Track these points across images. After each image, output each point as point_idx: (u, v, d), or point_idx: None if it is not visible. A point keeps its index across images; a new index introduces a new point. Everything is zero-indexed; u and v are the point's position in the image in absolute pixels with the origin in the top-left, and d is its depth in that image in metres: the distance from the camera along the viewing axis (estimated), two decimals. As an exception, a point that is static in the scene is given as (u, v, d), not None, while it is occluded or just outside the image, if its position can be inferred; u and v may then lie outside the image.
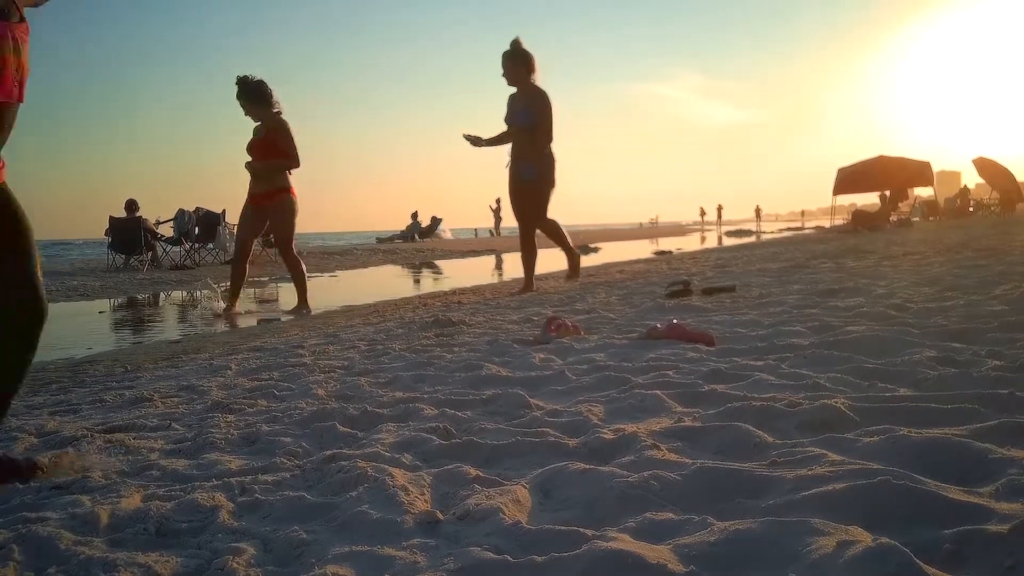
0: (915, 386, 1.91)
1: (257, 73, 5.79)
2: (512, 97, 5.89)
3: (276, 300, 7.33)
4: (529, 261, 6.05)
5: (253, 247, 6.46)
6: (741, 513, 1.18)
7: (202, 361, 3.41)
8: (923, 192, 24.41)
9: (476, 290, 6.56)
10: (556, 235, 6.12)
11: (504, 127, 5.91)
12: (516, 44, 5.85)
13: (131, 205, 13.03)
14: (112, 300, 8.04)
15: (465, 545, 1.13)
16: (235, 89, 5.73)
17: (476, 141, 5.96)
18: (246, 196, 5.94)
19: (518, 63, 5.80)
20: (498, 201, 30.13)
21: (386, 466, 1.49)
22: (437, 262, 14.90)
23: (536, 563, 1.03)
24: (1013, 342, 2.32)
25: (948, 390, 1.81)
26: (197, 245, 14.19)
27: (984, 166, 22.01)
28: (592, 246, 19.23)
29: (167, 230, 14.24)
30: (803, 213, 78.76)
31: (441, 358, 2.89)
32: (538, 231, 6.01)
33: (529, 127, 5.73)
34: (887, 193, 19.26)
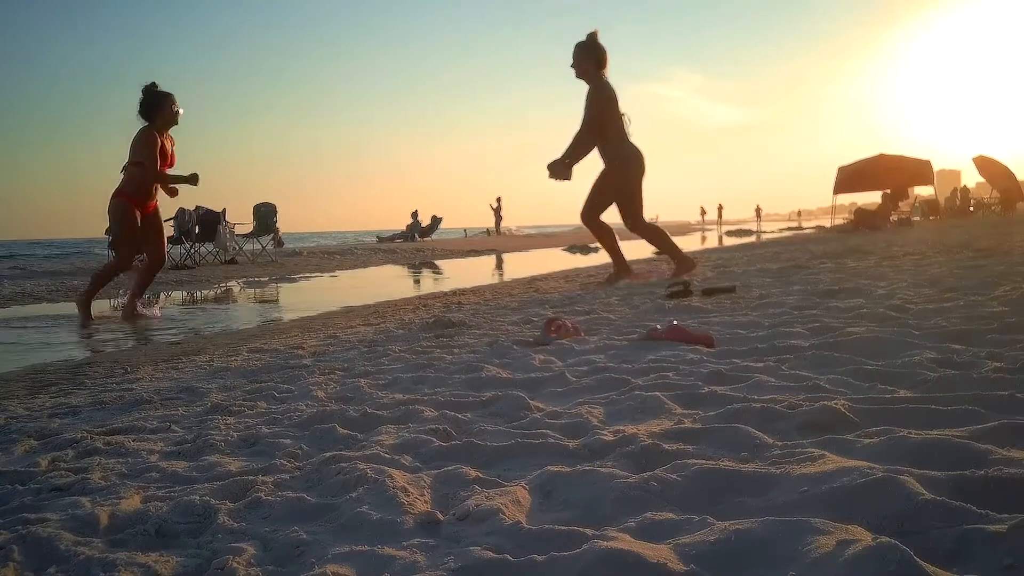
0: (915, 387, 1.91)
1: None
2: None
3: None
4: (611, 244, 5.88)
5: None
6: (741, 513, 1.18)
7: (202, 363, 3.41)
8: (923, 191, 24.43)
9: (476, 291, 6.55)
10: (608, 242, 5.98)
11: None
12: (591, 36, 5.68)
13: (131, 205, 13.01)
14: (111, 301, 8.04)
15: (465, 545, 1.13)
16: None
17: (560, 172, 5.73)
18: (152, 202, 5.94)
19: (587, 56, 5.64)
20: (499, 200, 30.12)
21: (386, 467, 1.49)
22: (437, 262, 14.91)
23: (536, 562, 1.03)
24: (1013, 343, 2.32)
25: (948, 391, 1.81)
26: (197, 244, 14.19)
27: (984, 165, 22.02)
28: (592, 246, 19.26)
29: (167, 229, 14.23)
30: (800, 213, 78.67)
31: (441, 359, 2.89)
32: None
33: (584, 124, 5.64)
34: (888, 192, 19.27)
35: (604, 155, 5.78)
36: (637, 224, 5.85)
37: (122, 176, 5.83)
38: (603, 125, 5.65)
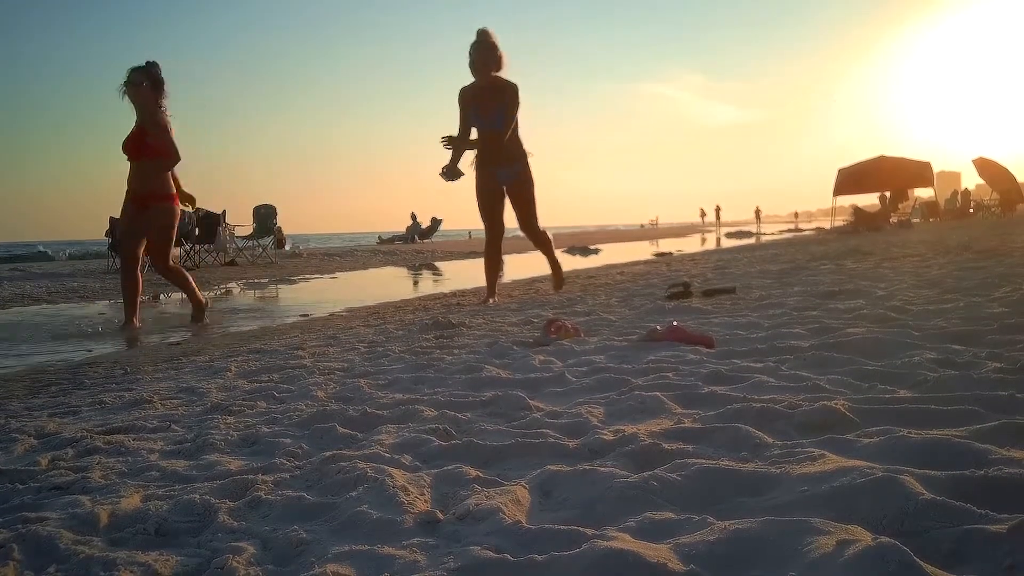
0: (915, 388, 1.91)
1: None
2: (480, 90, 5.31)
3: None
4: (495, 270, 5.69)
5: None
6: (741, 512, 1.18)
7: (202, 363, 3.41)
8: (923, 193, 24.43)
9: (476, 292, 6.55)
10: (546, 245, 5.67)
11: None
12: (485, 35, 5.24)
13: (131, 207, 13.00)
14: (112, 301, 8.04)
15: (465, 544, 1.13)
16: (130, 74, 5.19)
17: (452, 171, 5.35)
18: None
19: (491, 56, 5.22)
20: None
21: (386, 467, 1.49)
22: (437, 263, 14.91)
23: (536, 562, 1.03)
24: (1013, 344, 2.32)
25: (948, 392, 1.81)
26: (197, 246, 14.19)
27: (984, 166, 22.01)
28: (592, 247, 19.29)
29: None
30: (797, 215, 78.37)
31: (441, 360, 2.89)
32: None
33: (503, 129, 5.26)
34: (887, 194, 19.28)
35: (518, 157, 5.41)
36: (535, 229, 5.58)
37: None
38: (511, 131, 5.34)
